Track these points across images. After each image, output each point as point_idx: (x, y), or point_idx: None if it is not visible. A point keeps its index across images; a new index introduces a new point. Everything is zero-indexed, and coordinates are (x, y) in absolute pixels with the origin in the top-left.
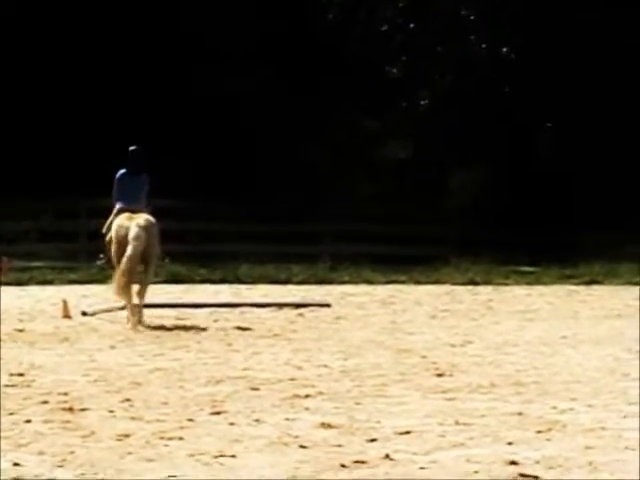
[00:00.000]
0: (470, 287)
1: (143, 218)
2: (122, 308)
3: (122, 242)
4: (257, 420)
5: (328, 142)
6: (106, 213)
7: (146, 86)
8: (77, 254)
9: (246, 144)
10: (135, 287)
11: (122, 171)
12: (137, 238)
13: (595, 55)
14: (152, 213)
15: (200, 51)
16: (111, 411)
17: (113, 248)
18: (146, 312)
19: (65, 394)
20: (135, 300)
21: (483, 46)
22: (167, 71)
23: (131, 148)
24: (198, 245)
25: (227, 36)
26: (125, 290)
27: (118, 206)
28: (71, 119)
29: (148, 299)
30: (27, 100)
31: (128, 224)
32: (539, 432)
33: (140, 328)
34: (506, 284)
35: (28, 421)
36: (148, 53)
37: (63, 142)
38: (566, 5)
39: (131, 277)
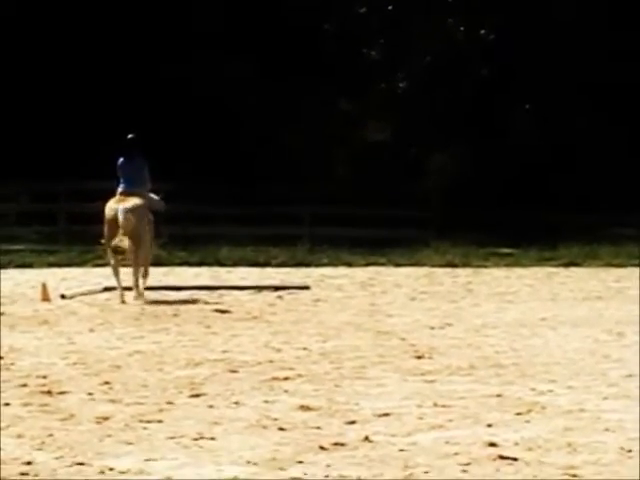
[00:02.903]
0: (449, 269)
1: (132, 201)
2: (101, 291)
3: (111, 224)
4: (236, 402)
5: (307, 125)
6: (85, 196)
7: (128, 72)
8: (56, 237)
9: (226, 127)
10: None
11: (121, 159)
12: (124, 220)
13: (573, 36)
14: (155, 194)
15: (183, 38)
16: (90, 394)
17: (105, 229)
18: (126, 294)
19: (44, 377)
20: (132, 281)
21: (461, 28)
22: (150, 60)
23: (129, 136)
24: (178, 227)
25: (207, 22)
26: (115, 271)
27: (119, 190)
28: (50, 102)
29: (125, 282)
30: (6, 82)
31: (116, 207)
32: (518, 414)
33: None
34: (485, 266)
35: (7, 404)
36: (134, 41)
37: (42, 124)
38: None
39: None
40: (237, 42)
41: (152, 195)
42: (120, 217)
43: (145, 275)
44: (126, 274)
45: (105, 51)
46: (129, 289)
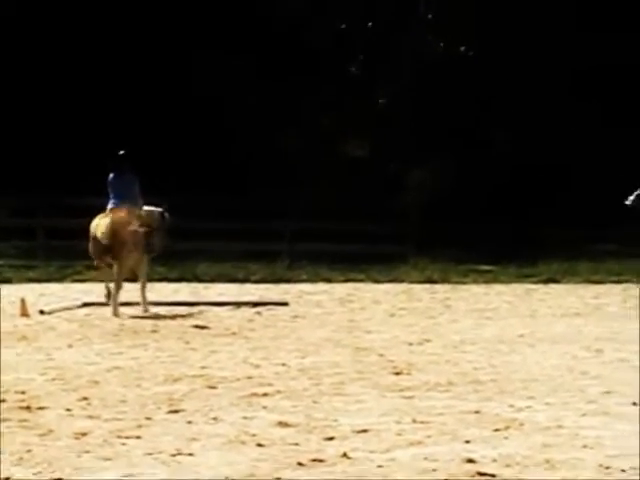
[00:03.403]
0: (428, 285)
1: (117, 215)
2: (80, 307)
3: (94, 239)
4: (215, 418)
5: (288, 139)
6: (65, 211)
7: (116, 80)
8: (35, 252)
9: (207, 142)
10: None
11: (111, 175)
12: (103, 234)
13: (551, 51)
14: (157, 207)
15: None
16: (69, 410)
17: (90, 245)
18: (104, 310)
19: (22, 392)
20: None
21: (441, 44)
22: (141, 68)
23: (119, 152)
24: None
25: (197, 34)
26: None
27: (109, 206)
28: (30, 116)
29: (104, 298)
30: None
31: (98, 222)
32: (497, 430)
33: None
34: (464, 282)
35: None
36: (125, 44)
37: (21, 139)
38: (522, 5)
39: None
40: (229, 53)
41: (152, 208)
42: (102, 231)
43: (143, 288)
44: (132, 290)
45: (89, 59)
46: (126, 304)
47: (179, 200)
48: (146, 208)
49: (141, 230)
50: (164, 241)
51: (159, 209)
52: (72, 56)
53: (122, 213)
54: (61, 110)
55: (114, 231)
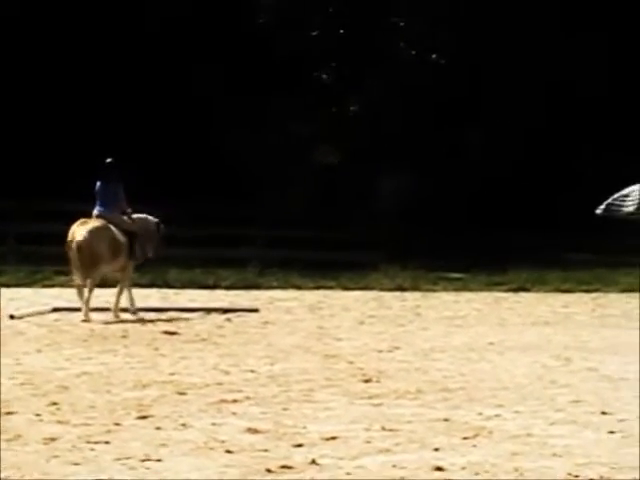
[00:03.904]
0: (398, 293)
1: (91, 224)
2: (50, 312)
3: (70, 246)
4: (184, 424)
5: (259, 146)
6: (35, 216)
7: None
8: (5, 257)
9: (177, 148)
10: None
11: (98, 182)
12: (78, 242)
13: (522, 59)
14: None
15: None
16: (38, 415)
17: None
18: (74, 316)
19: None
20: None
21: (412, 52)
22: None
23: (107, 160)
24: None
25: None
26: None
27: (95, 213)
28: (14, 120)
29: (74, 303)
30: None
31: (75, 229)
32: (465, 438)
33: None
34: (434, 290)
35: None
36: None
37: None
38: (492, 11)
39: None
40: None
41: (146, 216)
42: (77, 239)
43: (119, 294)
44: (103, 295)
45: (73, 66)
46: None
47: (149, 206)
48: (138, 216)
49: (122, 238)
50: (158, 250)
51: (155, 219)
52: (52, 61)
53: (98, 223)
54: (45, 115)
55: (92, 240)
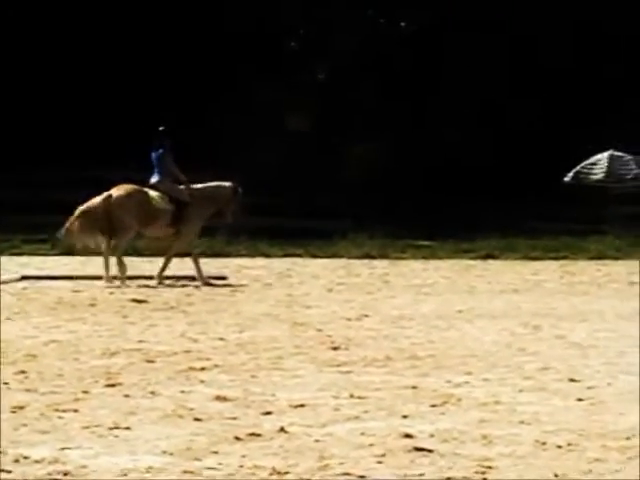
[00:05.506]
0: (366, 261)
1: (124, 188)
2: (19, 280)
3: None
4: (152, 392)
5: (227, 113)
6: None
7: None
8: None
9: (147, 114)
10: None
11: (153, 151)
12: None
13: (493, 28)
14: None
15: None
16: (6, 383)
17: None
18: (42, 284)
19: None
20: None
21: (381, 20)
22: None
23: (159, 128)
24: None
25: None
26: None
27: (152, 180)
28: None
29: (46, 271)
30: None
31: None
32: (434, 406)
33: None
34: (402, 258)
35: None
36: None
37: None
38: None
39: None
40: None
41: (222, 183)
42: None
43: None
44: (70, 264)
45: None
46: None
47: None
48: (214, 184)
49: (164, 206)
50: (237, 216)
51: (230, 184)
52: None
53: (127, 187)
54: (42, 90)
55: (110, 205)
